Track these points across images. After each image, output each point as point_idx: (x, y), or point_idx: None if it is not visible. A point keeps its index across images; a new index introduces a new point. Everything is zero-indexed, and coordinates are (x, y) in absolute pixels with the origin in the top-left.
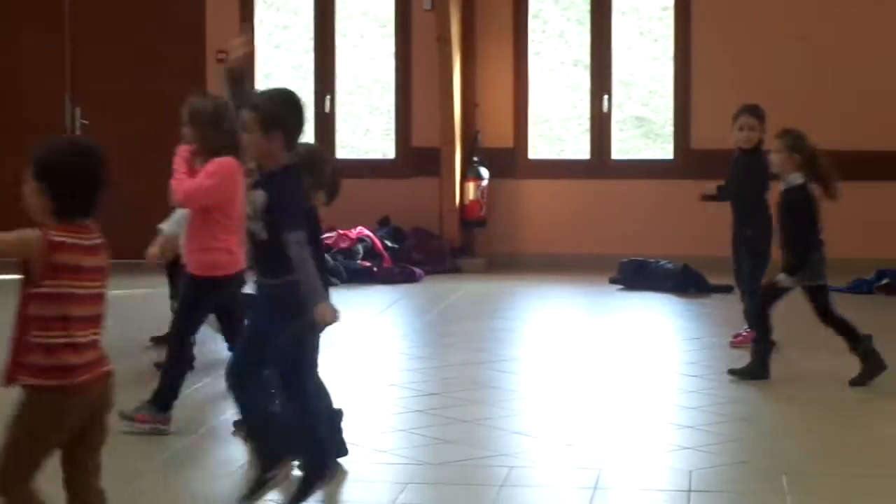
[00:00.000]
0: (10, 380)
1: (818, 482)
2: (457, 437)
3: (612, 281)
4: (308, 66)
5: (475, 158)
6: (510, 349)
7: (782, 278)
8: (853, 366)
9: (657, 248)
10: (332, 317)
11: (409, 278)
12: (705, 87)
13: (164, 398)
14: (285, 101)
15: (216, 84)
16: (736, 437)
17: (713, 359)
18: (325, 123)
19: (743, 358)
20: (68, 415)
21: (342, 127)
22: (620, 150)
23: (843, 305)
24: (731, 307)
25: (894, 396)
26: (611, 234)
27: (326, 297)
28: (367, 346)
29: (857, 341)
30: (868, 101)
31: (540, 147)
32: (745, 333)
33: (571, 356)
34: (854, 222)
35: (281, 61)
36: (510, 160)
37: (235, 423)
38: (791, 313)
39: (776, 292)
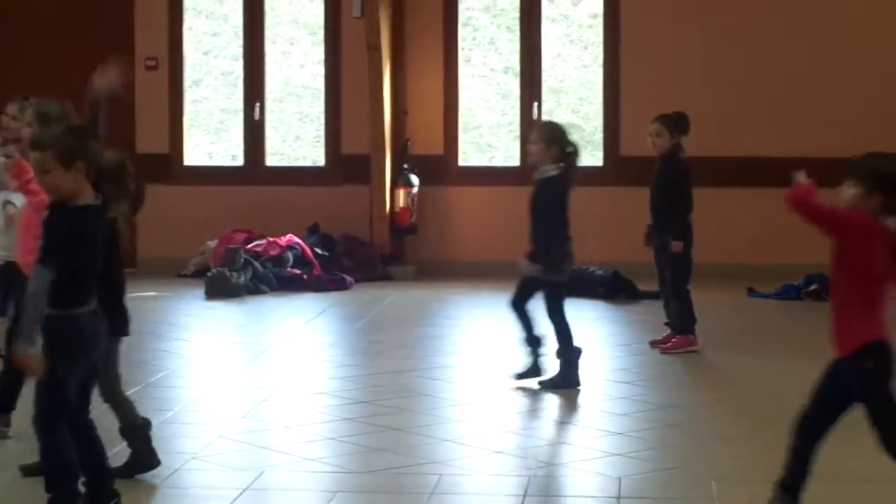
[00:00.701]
0: None
1: (747, 488)
2: (386, 445)
3: None
4: (238, 73)
5: (405, 166)
6: (440, 357)
7: (523, 263)
8: (785, 370)
9: (587, 254)
10: (28, 367)
11: (339, 286)
12: (635, 94)
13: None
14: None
15: (145, 90)
16: (666, 444)
17: (643, 365)
18: (255, 131)
19: (673, 364)
20: None
21: (272, 134)
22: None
23: (773, 310)
24: (661, 313)
25: None
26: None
27: (31, 342)
28: (297, 355)
29: (562, 350)
30: (798, 107)
31: (470, 154)
32: (674, 340)
33: (502, 363)
34: (782, 228)
35: (210, 68)
36: (440, 167)
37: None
38: (719, 319)
39: (528, 287)
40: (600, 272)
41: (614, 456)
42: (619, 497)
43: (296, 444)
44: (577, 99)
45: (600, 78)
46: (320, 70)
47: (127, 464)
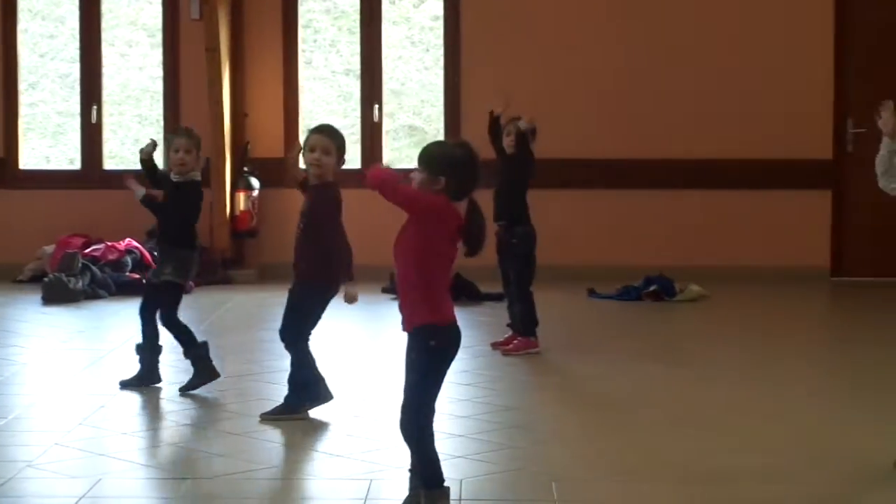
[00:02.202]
0: None
1: (586, 487)
2: (227, 450)
3: (385, 290)
4: (75, 76)
5: (245, 168)
6: (281, 360)
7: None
8: (626, 371)
9: None
10: None
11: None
12: (475, 96)
13: None
14: None
15: None
16: (508, 445)
17: (485, 367)
18: (92, 134)
19: (515, 365)
20: None
21: (110, 137)
22: (393, 159)
23: (614, 311)
24: (503, 315)
25: (657, 406)
26: (383, 243)
27: None
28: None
29: (190, 347)
30: (635, 109)
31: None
32: (516, 341)
33: (344, 366)
34: (622, 230)
35: (47, 70)
36: (281, 170)
37: None
38: (560, 320)
39: None
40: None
41: (456, 458)
42: (459, 499)
43: (134, 451)
44: (418, 101)
45: (441, 80)
46: (159, 72)
47: None
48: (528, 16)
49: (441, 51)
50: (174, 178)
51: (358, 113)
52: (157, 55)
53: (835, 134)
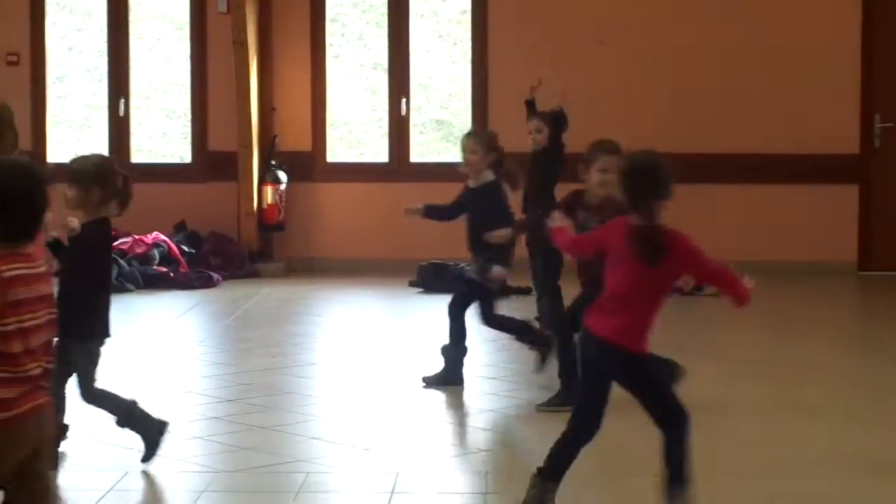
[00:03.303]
0: None
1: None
2: (254, 443)
3: (412, 284)
4: (103, 69)
5: (273, 162)
6: (308, 354)
7: (497, 271)
8: None
9: (457, 250)
10: None
11: (207, 283)
12: (503, 89)
13: None
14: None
15: (5, 86)
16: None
17: (511, 360)
18: (120, 127)
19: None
20: (28, 435)
21: (138, 130)
22: (421, 152)
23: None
24: (532, 308)
25: (685, 398)
26: (410, 237)
27: None
28: (164, 353)
29: (521, 332)
30: (662, 104)
31: (339, 150)
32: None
33: (370, 360)
34: None
35: (75, 64)
36: (308, 164)
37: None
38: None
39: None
40: (469, 268)
41: (483, 452)
42: (485, 493)
43: (163, 443)
44: (445, 95)
45: (469, 74)
46: (186, 66)
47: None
48: (555, 9)
49: (469, 44)
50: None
51: (386, 107)
52: (185, 48)
53: (862, 129)
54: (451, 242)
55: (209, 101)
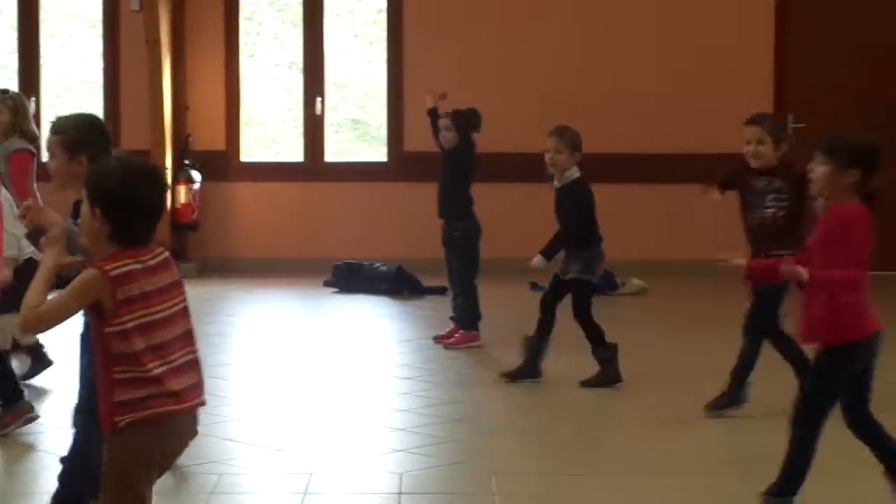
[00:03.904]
0: (114, 424)
1: (525, 481)
2: None
3: (327, 284)
4: (13, 67)
5: (186, 161)
6: (222, 355)
7: (536, 261)
8: (567, 364)
9: (371, 250)
10: None
11: None
12: (418, 89)
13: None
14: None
15: None
16: (448, 439)
17: (427, 360)
18: None
19: (457, 359)
20: (174, 439)
21: (48, 129)
22: (337, 152)
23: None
24: (446, 308)
25: (598, 400)
26: (325, 236)
27: None
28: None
29: (600, 347)
30: (580, 103)
31: (254, 150)
32: (458, 334)
33: (285, 360)
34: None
35: None
36: (223, 163)
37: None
38: (503, 313)
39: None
40: (384, 268)
41: (397, 452)
42: (399, 493)
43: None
44: (361, 94)
45: (385, 73)
46: (99, 64)
47: None
48: (471, 9)
49: (384, 44)
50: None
51: (301, 106)
52: (98, 47)
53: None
54: (365, 242)
55: (122, 100)
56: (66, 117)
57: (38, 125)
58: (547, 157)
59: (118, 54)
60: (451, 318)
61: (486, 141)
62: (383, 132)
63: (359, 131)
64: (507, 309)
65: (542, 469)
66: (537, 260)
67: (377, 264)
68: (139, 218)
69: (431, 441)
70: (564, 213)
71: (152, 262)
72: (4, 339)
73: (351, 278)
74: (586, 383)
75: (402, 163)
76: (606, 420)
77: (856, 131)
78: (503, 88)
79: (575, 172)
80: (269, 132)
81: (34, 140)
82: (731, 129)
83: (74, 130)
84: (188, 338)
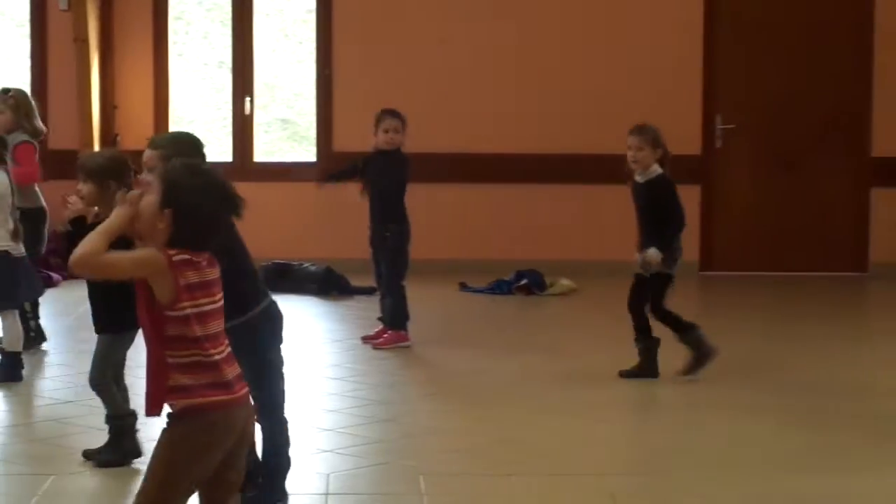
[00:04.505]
0: (158, 407)
1: (454, 481)
2: (92, 446)
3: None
4: None
5: None
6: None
7: (654, 253)
8: (496, 364)
9: (300, 250)
10: None
11: (46, 283)
12: (347, 89)
13: None
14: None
15: None
16: (376, 439)
17: (356, 360)
18: None
19: (385, 359)
20: (228, 431)
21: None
22: (266, 152)
23: (485, 305)
24: (374, 309)
25: (527, 399)
26: (254, 237)
27: None
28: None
29: (684, 332)
30: (507, 104)
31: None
32: (386, 335)
33: None
34: (494, 224)
35: None
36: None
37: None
38: (432, 314)
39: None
40: (313, 268)
41: (324, 452)
42: (326, 494)
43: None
44: (291, 94)
45: (314, 73)
46: (26, 64)
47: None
48: (399, 9)
49: (314, 44)
50: None
51: (230, 106)
52: (25, 46)
53: (703, 130)
54: (294, 242)
55: (49, 99)
56: (165, 134)
57: None
58: (629, 154)
59: (46, 54)
60: (379, 319)
61: (415, 141)
62: (312, 132)
63: (288, 131)
64: (436, 310)
65: (470, 469)
66: (654, 252)
67: (306, 264)
68: (204, 231)
69: (359, 441)
70: (651, 208)
71: (200, 258)
72: None
73: (280, 278)
74: (684, 372)
75: (331, 163)
76: (536, 420)
77: (785, 131)
78: (432, 88)
79: (657, 168)
80: (197, 132)
81: (38, 135)
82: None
83: (173, 146)
84: (224, 334)
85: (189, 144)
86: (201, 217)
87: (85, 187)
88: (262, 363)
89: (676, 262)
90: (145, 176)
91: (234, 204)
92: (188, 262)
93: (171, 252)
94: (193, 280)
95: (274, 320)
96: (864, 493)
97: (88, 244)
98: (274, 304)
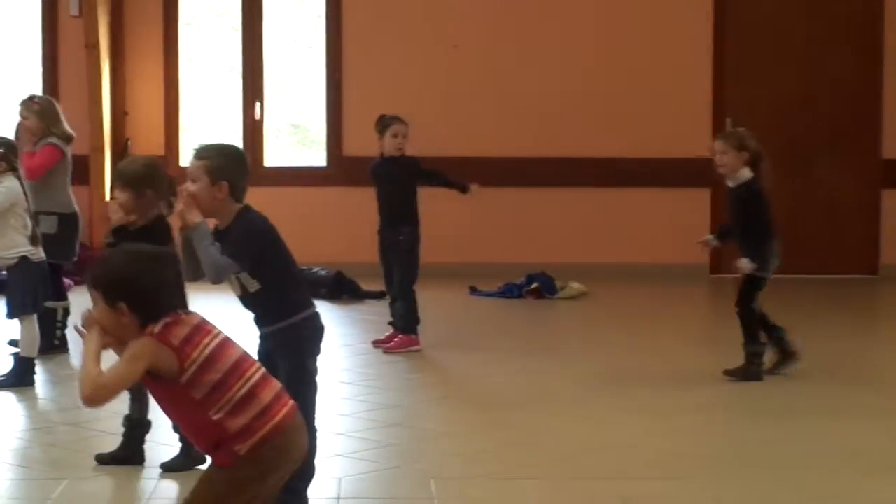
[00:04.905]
0: (234, 454)
1: (466, 485)
2: (109, 448)
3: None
4: None
5: None
6: None
7: (745, 263)
8: (507, 367)
9: (310, 255)
10: None
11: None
12: (357, 94)
13: None
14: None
15: None
16: (387, 443)
17: (366, 364)
18: None
19: (396, 363)
20: (292, 450)
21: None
22: (276, 156)
23: (496, 309)
24: (385, 313)
25: (537, 403)
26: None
27: None
28: (6, 361)
29: (754, 344)
30: (516, 108)
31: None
32: (397, 339)
33: None
34: (505, 228)
35: None
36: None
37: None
38: (442, 318)
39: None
40: (323, 272)
41: (336, 457)
42: (338, 498)
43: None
44: (300, 99)
45: (324, 78)
46: (38, 69)
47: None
48: (409, 14)
49: (324, 49)
50: None
51: (240, 111)
52: (37, 52)
53: (714, 133)
54: (304, 247)
55: (61, 105)
56: (210, 144)
57: None
58: (715, 159)
59: (57, 59)
60: (390, 323)
61: (425, 145)
62: (323, 137)
63: (298, 136)
64: (447, 313)
65: (481, 473)
66: (745, 263)
67: (316, 269)
68: (161, 297)
69: (371, 445)
70: (740, 214)
71: (173, 315)
72: None
73: None
74: (731, 374)
75: (341, 167)
76: (547, 423)
77: (795, 134)
78: (442, 93)
79: (747, 172)
80: (208, 137)
81: (68, 140)
82: (671, 132)
83: (218, 157)
84: (245, 361)
85: (232, 156)
86: (150, 289)
87: (122, 195)
88: (301, 369)
89: (770, 266)
90: (188, 185)
91: (165, 258)
92: (169, 325)
93: (149, 329)
94: (185, 332)
95: (317, 330)
96: None
97: (86, 382)
98: (318, 315)
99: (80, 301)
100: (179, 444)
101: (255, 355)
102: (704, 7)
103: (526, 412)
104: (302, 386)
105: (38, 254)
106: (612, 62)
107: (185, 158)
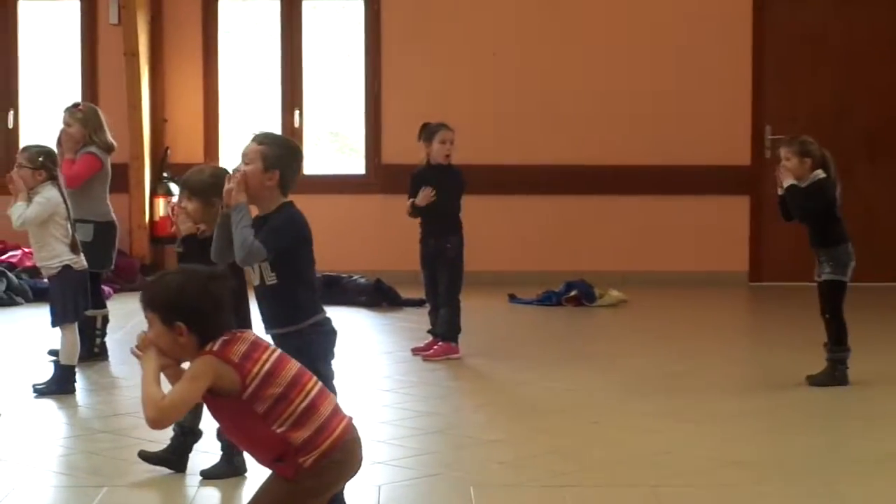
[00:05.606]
0: (299, 466)
1: (505, 493)
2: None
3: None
4: None
5: (165, 174)
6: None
7: (829, 270)
8: (546, 375)
9: (350, 262)
10: None
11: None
12: (395, 102)
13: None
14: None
15: None
16: (427, 451)
17: (406, 372)
18: (8, 139)
19: (435, 371)
20: (351, 462)
21: (28, 142)
22: (315, 164)
23: (534, 316)
24: (424, 320)
25: (576, 411)
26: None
27: None
28: (48, 367)
29: (840, 349)
30: (555, 116)
31: (235, 162)
32: (437, 346)
33: None
34: (544, 236)
35: None
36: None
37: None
38: (482, 326)
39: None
40: (363, 280)
41: (376, 464)
42: None
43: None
44: (339, 107)
45: (363, 86)
46: (77, 77)
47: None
48: (448, 21)
49: (363, 56)
50: None
51: (279, 118)
52: (76, 60)
53: (753, 140)
54: (343, 254)
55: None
56: (271, 133)
57: (16, 138)
58: (780, 165)
59: (96, 67)
60: (429, 331)
61: (464, 153)
62: (361, 144)
63: (337, 143)
64: (486, 321)
65: (521, 481)
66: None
67: (356, 277)
68: (218, 316)
69: (410, 453)
70: (808, 216)
71: (230, 334)
72: None
73: (330, 290)
74: (814, 381)
75: (380, 175)
76: (587, 431)
77: (833, 141)
78: (481, 100)
79: (819, 174)
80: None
81: (109, 150)
82: (710, 140)
83: (275, 146)
84: (303, 374)
85: (289, 148)
86: (208, 308)
87: (191, 205)
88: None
89: (847, 268)
90: (242, 166)
91: (220, 277)
92: (227, 342)
93: (209, 348)
94: (243, 348)
95: (327, 335)
96: None
97: (149, 405)
98: (328, 320)
99: (118, 309)
100: (221, 452)
101: None
102: (744, 16)
103: (566, 419)
104: None
105: (81, 262)
106: (652, 71)
107: (227, 166)
